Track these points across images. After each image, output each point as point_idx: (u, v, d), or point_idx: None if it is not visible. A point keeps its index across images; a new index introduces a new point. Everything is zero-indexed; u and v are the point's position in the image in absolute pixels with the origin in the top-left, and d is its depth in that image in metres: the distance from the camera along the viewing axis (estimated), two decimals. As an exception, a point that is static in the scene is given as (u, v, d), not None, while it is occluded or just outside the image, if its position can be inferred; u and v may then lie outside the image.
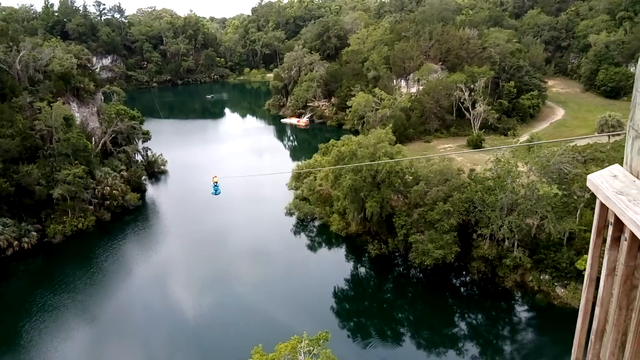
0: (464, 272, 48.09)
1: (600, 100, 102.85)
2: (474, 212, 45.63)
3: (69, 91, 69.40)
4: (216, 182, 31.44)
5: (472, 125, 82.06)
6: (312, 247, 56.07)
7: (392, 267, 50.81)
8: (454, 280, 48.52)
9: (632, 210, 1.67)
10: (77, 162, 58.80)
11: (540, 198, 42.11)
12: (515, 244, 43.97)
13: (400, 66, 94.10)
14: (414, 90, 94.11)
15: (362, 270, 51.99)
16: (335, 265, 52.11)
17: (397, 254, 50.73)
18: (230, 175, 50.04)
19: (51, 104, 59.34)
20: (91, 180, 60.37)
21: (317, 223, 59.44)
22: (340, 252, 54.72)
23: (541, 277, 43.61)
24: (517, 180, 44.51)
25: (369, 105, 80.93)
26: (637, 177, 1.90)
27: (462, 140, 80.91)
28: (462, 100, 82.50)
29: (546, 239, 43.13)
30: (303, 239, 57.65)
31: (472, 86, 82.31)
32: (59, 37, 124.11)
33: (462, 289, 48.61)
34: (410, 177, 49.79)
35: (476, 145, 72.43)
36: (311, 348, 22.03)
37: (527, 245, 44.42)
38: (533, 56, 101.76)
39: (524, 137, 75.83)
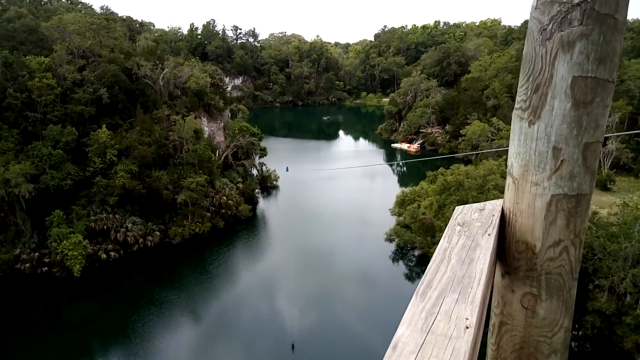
0: (576, 325, 43.59)
1: None
2: (592, 259, 41.35)
3: (201, 107, 76.85)
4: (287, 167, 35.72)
5: (602, 164, 74.65)
6: (410, 277, 54.92)
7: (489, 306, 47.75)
8: (564, 332, 44.13)
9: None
10: (201, 171, 64.65)
11: (675, 252, 36.94)
12: (639, 301, 38.93)
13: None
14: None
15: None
16: (432, 298, 50.33)
17: (500, 294, 47.62)
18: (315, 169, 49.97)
19: (185, 118, 66.18)
20: (211, 189, 65.86)
21: (417, 252, 58.20)
22: (439, 284, 52.77)
23: (670, 343, 37.94)
24: (647, 229, 39.54)
25: (484, 134, 77.81)
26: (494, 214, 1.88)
27: (588, 179, 73.81)
28: (591, 136, 75.54)
29: (679, 299, 37.55)
30: (401, 267, 56.82)
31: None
32: (198, 57, 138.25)
33: (572, 344, 44.07)
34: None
35: (605, 186, 65.68)
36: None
37: (655, 304, 39.03)
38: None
39: (665, 182, 67.07)
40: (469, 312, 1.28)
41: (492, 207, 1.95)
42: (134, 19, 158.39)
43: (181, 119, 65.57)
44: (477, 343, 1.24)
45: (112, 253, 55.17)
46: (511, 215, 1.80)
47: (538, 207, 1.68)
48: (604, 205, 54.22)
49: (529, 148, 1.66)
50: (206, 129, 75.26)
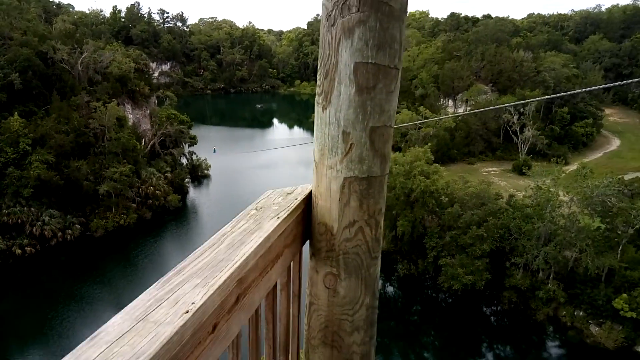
0: (494, 301, 46.40)
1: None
2: (509, 239, 44.13)
3: (125, 93, 73.04)
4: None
5: (520, 150, 79.61)
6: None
7: (421, 288, 49.78)
8: (484, 309, 46.89)
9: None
10: (125, 161, 61.61)
11: (581, 230, 40.21)
12: (551, 276, 42.09)
13: (449, 85, 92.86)
14: (461, 110, 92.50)
15: (389, 289, 51.24)
16: (363, 282, 51.62)
17: (426, 275, 49.69)
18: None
19: (106, 105, 62.64)
20: (136, 179, 63.03)
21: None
22: (370, 269, 54.19)
23: (575, 313, 41.43)
24: (558, 209, 42.71)
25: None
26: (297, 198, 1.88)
27: (507, 164, 78.52)
28: (510, 124, 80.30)
29: (583, 273, 40.97)
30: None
31: (522, 110, 79.96)
32: (122, 42, 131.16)
33: (491, 318, 46.90)
34: (446, 199, 48.84)
35: (521, 171, 70.07)
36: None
37: (563, 278, 42.39)
38: (590, 83, 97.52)
39: (574, 166, 72.68)
40: (200, 297, 1.20)
41: (301, 191, 1.96)
42: (51, 0, 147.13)
43: (102, 106, 61.99)
44: (198, 326, 1.15)
45: (28, 248, 51.50)
46: (315, 198, 1.84)
47: (333, 189, 1.72)
48: (520, 188, 57.85)
49: (324, 132, 1.71)
50: (130, 116, 71.73)
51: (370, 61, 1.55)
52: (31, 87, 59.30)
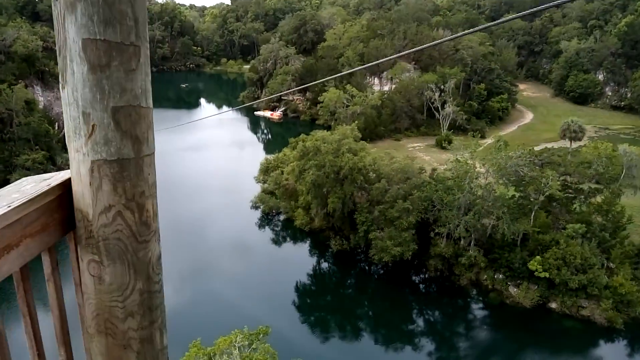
0: (422, 270, 48.87)
1: (568, 106, 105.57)
2: (432, 211, 46.39)
3: (33, 74, 67.61)
4: None
5: (441, 126, 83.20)
6: (276, 241, 56.15)
7: (354, 263, 51.31)
8: (413, 277, 49.31)
9: None
10: (37, 147, 57.46)
11: (497, 199, 43.10)
12: (472, 243, 44.93)
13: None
14: (386, 88, 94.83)
15: (324, 265, 52.34)
16: (298, 260, 52.33)
17: (358, 250, 51.22)
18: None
19: (12, 87, 57.67)
20: (52, 167, 59.00)
21: (282, 217, 59.51)
22: (304, 247, 54.96)
23: (495, 277, 44.70)
24: (476, 181, 45.38)
25: (340, 101, 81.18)
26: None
27: (431, 139, 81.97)
28: (432, 101, 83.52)
29: (501, 239, 44.16)
30: (267, 232, 57.65)
31: (442, 87, 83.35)
32: (27, 18, 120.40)
33: (420, 286, 49.50)
34: (374, 175, 50.23)
35: (443, 147, 73.37)
36: (250, 342, 22.14)
37: (483, 244, 45.44)
38: (505, 60, 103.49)
39: (491, 139, 77.25)
40: None
41: (61, 177, 1.83)
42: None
43: (8, 88, 56.99)
44: None
45: None
46: (72, 183, 1.75)
47: (83, 173, 1.65)
48: (443, 162, 60.73)
49: (67, 114, 1.63)
50: (41, 99, 66.63)
51: (98, 37, 1.49)
52: None
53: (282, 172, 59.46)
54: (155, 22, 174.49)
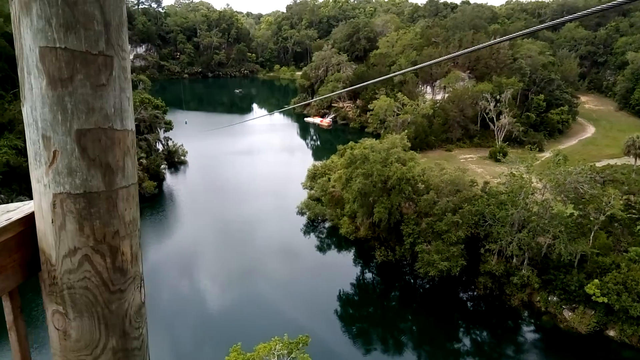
0: (470, 287, 47.12)
1: (634, 120, 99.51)
2: (483, 226, 44.65)
3: (97, 77, 70.94)
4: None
5: (496, 137, 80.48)
6: (321, 248, 55.93)
7: (399, 275, 50.21)
8: (460, 294, 47.60)
9: None
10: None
11: (554, 217, 40.89)
12: (525, 262, 42.82)
13: (427, 72, 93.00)
14: (439, 97, 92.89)
15: (368, 275, 51.56)
16: (341, 269, 51.85)
17: (404, 262, 50.09)
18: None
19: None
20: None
21: (327, 225, 59.25)
22: (348, 255, 54.40)
23: (549, 299, 42.33)
24: (531, 196, 43.33)
25: (390, 109, 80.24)
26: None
27: (484, 151, 79.42)
28: (487, 111, 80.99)
29: (557, 259, 41.81)
30: (312, 239, 57.54)
31: (498, 97, 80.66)
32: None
33: (468, 304, 47.66)
34: (422, 186, 49.08)
35: (497, 159, 70.77)
36: (289, 351, 21.94)
37: (537, 264, 43.21)
38: (566, 70, 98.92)
39: (549, 153, 73.90)
40: None
41: (28, 208, 1.52)
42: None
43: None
44: None
45: (-4, 237, 49.93)
46: (35, 219, 1.46)
47: (45, 208, 1.38)
48: (497, 175, 58.54)
49: (27, 136, 1.36)
50: (104, 101, 69.86)
51: (58, 45, 1.24)
52: (-3, 70, 57.15)
53: (329, 179, 59.28)
54: (213, 29, 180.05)
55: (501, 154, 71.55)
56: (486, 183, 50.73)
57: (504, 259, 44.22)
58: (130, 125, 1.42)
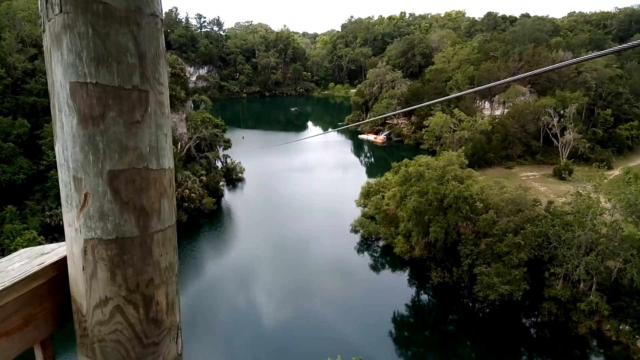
0: (533, 312, 44.79)
1: None
2: (547, 248, 42.49)
3: (162, 98, 74.74)
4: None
5: (560, 154, 76.87)
6: (375, 268, 55.30)
7: (456, 297, 48.61)
8: (523, 320, 45.30)
9: None
10: (161, 164, 62.96)
11: (624, 239, 38.27)
12: (593, 288, 40.23)
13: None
14: (498, 112, 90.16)
15: (424, 297, 50.29)
16: (396, 289, 50.94)
17: (461, 284, 48.51)
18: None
19: (143, 110, 64.15)
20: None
21: (381, 243, 58.61)
22: (403, 275, 53.41)
23: (620, 327, 39.41)
24: (599, 217, 40.83)
25: (446, 125, 78.76)
26: None
27: (548, 168, 75.97)
28: (550, 127, 77.66)
29: (628, 285, 38.96)
30: (366, 258, 57.05)
31: (562, 112, 77.19)
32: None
33: (531, 330, 45.22)
34: (481, 204, 47.56)
35: (561, 177, 67.45)
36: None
37: (606, 290, 40.43)
38: (635, 83, 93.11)
39: (618, 171, 69.59)
40: None
41: (63, 250, 1.48)
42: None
43: (140, 111, 63.54)
44: None
45: (69, 250, 53.20)
46: (68, 264, 1.39)
47: (76, 254, 1.32)
48: (561, 194, 55.76)
49: (60, 177, 1.30)
50: (167, 120, 73.35)
51: (89, 80, 1.18)
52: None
53: (383, 197, 58.77)
54: (270, 49, 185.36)
55: (566, 172, 68.15)
56: (550, 202, 48.35)
57: (570, 284, 41.77)
58: (168, 163, 1.36)
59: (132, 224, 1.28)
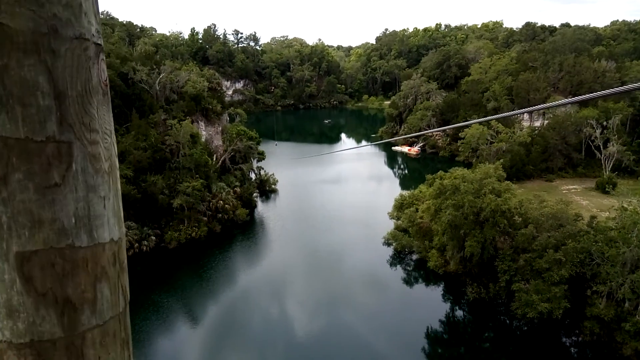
0: (574, 332, 42.84)
1: None
2: (590, 265, 40.66)
3: (199, 111, 76.62)
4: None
5: (603, 166, 73.92)
6: (408, 282, 54.33)
7: (492, 314, 47.08)
8: (563, 339, 43.40)
9: None
10: (197, 175, 64.31)
11: (674, 257, 36.21)
12: (639, 307, 38.14)
13: (524, 98, 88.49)
14: (537, 124, 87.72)
15: (458, 313, 48.94)
16: (430, 304, 49.83)
17: (498, 301, 46.97)
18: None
19: (181, 122, 65.90)
20: (208, 194, 65.47)
21: (414, 257, 57.60)
22: (437, 290, 52.20)
23: (670, 350, 37.17)
24: (647, 233, 38.81)
25: (483, 137, 77.15)
26: None
27: (590, 182, 73.13)
28: (592, 138, 74.92)
29: (679, 306, 36.78)
30: (399, 271, 56.16)
31: (605, 123, 74.37)
32: (199, 62, 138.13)
33: (571, 350, 43.25)
34: (519, 219, 46.11)
35: (605, 191, 64.71)
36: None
37: (655, 310, 38.28)
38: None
39: (667, 184, 66.21)
40: None
41: None
42: (135, 24, 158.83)
43: (177, 123, 65.26)
44: None
45: (107, 259, 54.72)
46: None
47: None
48: (605, 208, 53.49)
49: None
50: (203, 133, 74.94)
51: None
52: (113, 106, 63.21)
53: (417, 210, 57.83)
54: (305, 63, 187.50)
55: (610, 185, 65.36)
56: (593, 217, 46.37)
57: (614, 303, 39.73)
58: (109, 234, 1.06)
59: (52, 321, 0.97)
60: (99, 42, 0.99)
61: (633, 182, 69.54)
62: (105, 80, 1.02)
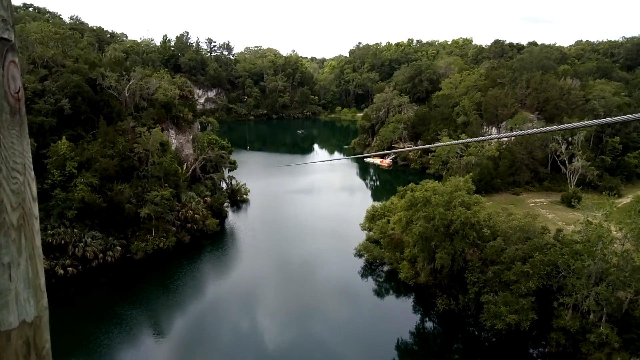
0: (541, 343, 43.43)
1: None
2: (556, 277, 41.44)
3: (169, 119, 75.18)
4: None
5: (568, 181, 76.09)
6: (379, 293, 54.20)
7: (462, 325, 47.36)
8: (530, 350, 43.92)
9: None
10: (166, 184, 62.85)
11: (636, 270, 37.26)
12: (603, 319, 39.00)
13: (493, 113, 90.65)
14: (505, 139, 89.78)
15: (428, 324, 49.05)
16: (400, 315, 49.79)
17: (468, 312, 47.31)
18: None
19: (151, 130, 64.47)
20: (177, 203, 64.04)
21: (385, 268, 57.59)
22: (407, 302, 52.26)
23: (632, 361, 38.05)
24: (610, 246, 39.87)
25: (453, 150, 78.39)
26: None
27: (556, 195, 75.12)
28: (558, 153, 77.12)
29: (641, 317, 37.80)
30: (370, 282, 56.01)
31: (570, 139, 76.75)
32: (171, 69, 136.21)
33: (538, 361, 43.91)
34: (488, 231, 46.73)
35: (570, 204, 66.58)
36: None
37: (617, 321, 39.19)
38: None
39: (628, 199, 68.53)
40: None
41: None
42: (105, 29, 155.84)
43: (147, 131, 63.82)
44: None
45: (70, 268, 52.75)
46: None
47: None
48: (570, 221, 54.87)
49: None
50: (174, 141, 73.53)
51: None
52: (80, 112, 61.98)
53: (389, 221, 58.03)
54: (278, 73, 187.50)
55: (575, 199, 67.29)
56: (559, 230, 47.45)
57: (579, 314, 40.54)
58: (17, 316, 0.80)
59: None
60: (5, 36, 0.65)
61: (597, 197, 71.75)
62: (18, 93, 0.69)
